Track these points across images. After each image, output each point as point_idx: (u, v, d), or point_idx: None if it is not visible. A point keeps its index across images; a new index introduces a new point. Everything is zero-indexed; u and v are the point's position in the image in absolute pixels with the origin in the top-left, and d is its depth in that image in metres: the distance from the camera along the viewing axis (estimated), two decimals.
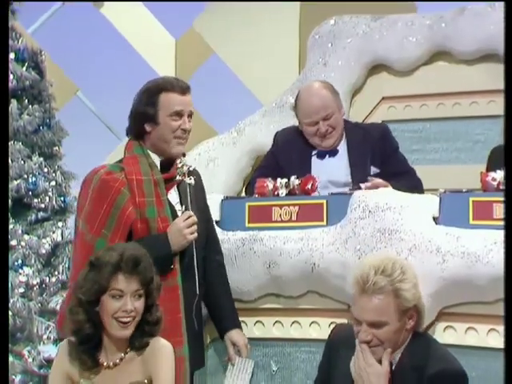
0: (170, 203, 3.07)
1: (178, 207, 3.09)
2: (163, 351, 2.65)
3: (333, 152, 3.72)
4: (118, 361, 2.64)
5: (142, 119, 3.10)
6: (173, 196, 3.11)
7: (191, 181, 3.11)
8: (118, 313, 2.59)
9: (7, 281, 3.36)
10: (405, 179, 3.61)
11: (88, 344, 2.62)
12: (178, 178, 3.11)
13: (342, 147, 3.73)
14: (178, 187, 3.13)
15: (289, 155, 3.73)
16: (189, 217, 3.01)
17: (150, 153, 3.10)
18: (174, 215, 3.06)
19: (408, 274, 2.63)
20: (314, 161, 3.72)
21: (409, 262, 2.64)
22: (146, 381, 2.63)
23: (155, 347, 2.65)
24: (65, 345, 2.68)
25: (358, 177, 3.61)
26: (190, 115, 3.15)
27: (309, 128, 3.69)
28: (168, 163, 3.12)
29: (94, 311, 2.61)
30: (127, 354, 2.66)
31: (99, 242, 2.93)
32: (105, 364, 2.64)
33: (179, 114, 3.11)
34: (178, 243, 3.00)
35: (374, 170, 3.67)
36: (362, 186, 3.49)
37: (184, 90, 3.13)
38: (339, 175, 3.68)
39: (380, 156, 3.69)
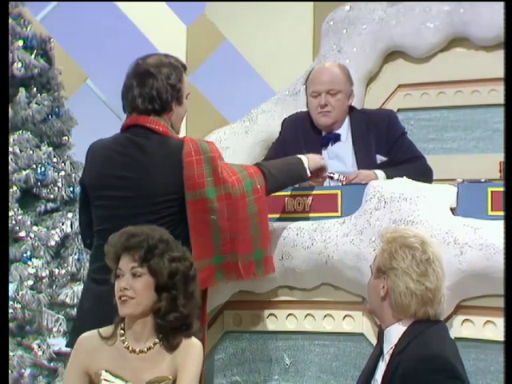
0: None
1: None
2: (192, 349, 2.65)
3: (334, 138, 3.68)
4: (145, 349, 2.64)
5: (174, 95, 3.11)
6: None
7: None
8: (118, 292, 2.62)
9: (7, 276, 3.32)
10: (412, 166, 3.57)
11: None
12: None
13: (347, 135, 3.70)
14: None
15: (297, 144, 3.69)
16: None
17: None
18: None
19: (408, 262, 2.56)
20: (322, 150, 3.68)
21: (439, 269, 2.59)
22: (170, 377, 2.62)
23: (185, 344, 2.64)
24: (82, 340, 2.68)
25: (364, 165, 3.58)
26: None
27: (313, 100, 3.66)
28: None
29: None
30: (156, 346, 2.65)
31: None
32: (130, 348, 2.63)
33: (188, 96, 3.18)
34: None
35: (380, 158, 3.64)
36: (342, 177, 3.46)
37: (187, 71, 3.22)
38: (345, 164, 3.65)
39: (385, 144, 3.66)
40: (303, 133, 3.71)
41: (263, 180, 3.16)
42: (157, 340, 2.64)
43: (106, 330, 2.66)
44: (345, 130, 3.69)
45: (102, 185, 3.11)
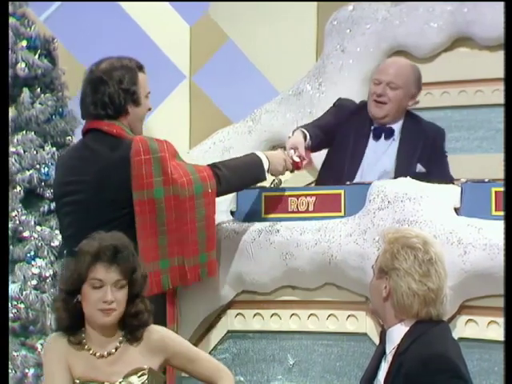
0: None
1: None
2: (166, 334, 2.69)
3: (388, 133, 3.71)
4: (113, 350, 2.64)
5: (128, 98, 3.14)
6: None
7: None
8: (99, 303, 2.60)
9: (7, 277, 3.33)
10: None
11: (68, 332, 2.65)
12: None
13: (397, 133, 3.73)
14: None
15: (347, 128, 3.73)
16: None
17: None
18: None
19: (410, 263, 2.57)
20: (371, 141, 3.74)
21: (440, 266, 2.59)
22: (145, 366, 2.62)
23: (154, 337, 2.66)
24: (52, 342, 2.68)
25: (402, 168, 3.60)
26: None
27: (373, 86, 3.73)
28: None
29: (73, 302, 2.62)
30: (122, 344, 2.66)
31: None
32: (97, 354, 2.63)
33: (148, 95, 3.22)
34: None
35: (420, 168, 3.66)
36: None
37: (144, 70, 3.23)
38: (384, 162, 3.69)
39: (428, 156, 3.69)
40: (356, 118, 3.74)
41: (215, 184, 3.16)
42: (121, 338, 2.65)
43: (74, 337, 2.64)
44: (398, 129, 3.72)
45: (63, 192, 3.19)
